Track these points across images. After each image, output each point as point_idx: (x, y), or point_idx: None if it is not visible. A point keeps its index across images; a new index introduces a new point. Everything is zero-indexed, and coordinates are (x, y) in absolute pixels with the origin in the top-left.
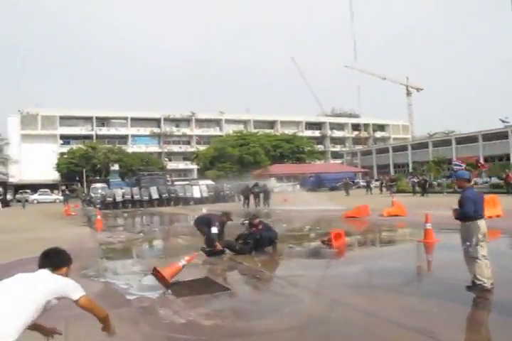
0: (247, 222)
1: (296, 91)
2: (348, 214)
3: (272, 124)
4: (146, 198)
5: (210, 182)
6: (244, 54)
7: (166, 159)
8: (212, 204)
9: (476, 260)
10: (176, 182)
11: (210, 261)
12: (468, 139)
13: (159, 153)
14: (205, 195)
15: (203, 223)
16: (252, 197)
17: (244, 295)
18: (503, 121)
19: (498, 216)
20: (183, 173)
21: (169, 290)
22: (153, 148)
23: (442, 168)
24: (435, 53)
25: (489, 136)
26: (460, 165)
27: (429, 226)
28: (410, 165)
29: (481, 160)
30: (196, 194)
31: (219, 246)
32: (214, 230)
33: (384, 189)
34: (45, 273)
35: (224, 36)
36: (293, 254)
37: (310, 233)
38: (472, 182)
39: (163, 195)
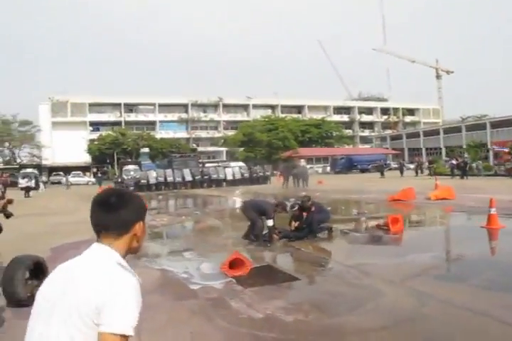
0: (295, 208)
1: (323, 75)
2: (393, 197)
3: (299, 109)
4: (179, 180)
5: (241, 163)
6: (271, 38)
7: (194, 145)
8: (245, 186)
9: None
10: (206, 164)
11: (266, 246)
12: (504, 123)
13: (187, 139)
14: (238, 176)
15: (254, 210)
16: (291, 178)
17: (317, 285)
18: None
19: None
20: (212, 155)
21: (233, 280)
22: (181, 133)
23: (481, 150)
24: (466, 34)
25: None
26: (501, 148)
27: (493, 211)
28: (443, 150)
29: None
30: (229, 176)
31: (276, 238)
32: (270, 223)
33: (419, 171)
34: (97, 251)
35: (251, 21)
36: (351, 240)
37: (359, 217)
38: None
39: (197, 177)
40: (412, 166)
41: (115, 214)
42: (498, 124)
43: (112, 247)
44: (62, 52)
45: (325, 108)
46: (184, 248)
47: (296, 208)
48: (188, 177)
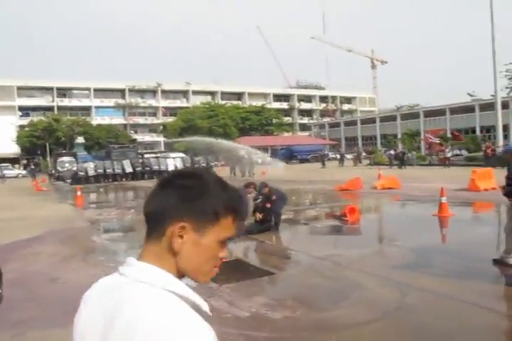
0: (259, 200)
1: (263, 62)
2: (341, 186)
3: (239, 96)
4: (119, 172)
5: (182, 154)
6: (212, 24)
7: (132, 131)
8: None
9: None
10: (145, 155)
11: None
12: (436, 112)
13: (124, 125)
14: (179, 167)
15: None
16: (237, 168)
17: (294, 279)
18: (471, 95)
19: (493, 188)
20: (150, 146)
21: None
22: (118, 120)
23: (415, 140)
24: (401, 26)
25: (456, 110)
26: (434, 139)
27: (444, 200)
28: (378, 138)
29: (448, 134)
30: (171, 167)
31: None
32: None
33: (358, 161)
34: (136, 271)
35: (192, 6)
36: (312, 231)
37: (313, 207)
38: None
39: (137, 169)
40: (349, 156)
41: (155, 197)
42: (430, 114)
43: (152, 262)
44: None
45: (265, 95)
46: (141, 244)
47: (260, 200)
48: (129, 169)
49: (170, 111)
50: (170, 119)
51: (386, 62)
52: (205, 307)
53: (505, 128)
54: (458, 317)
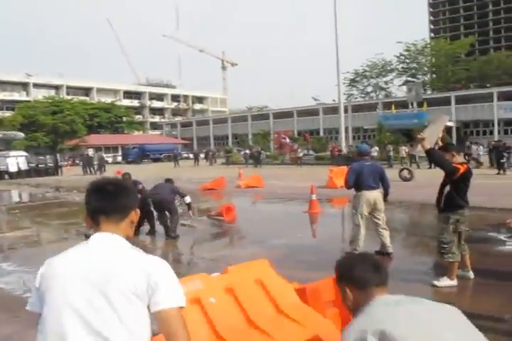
0: None
1: (113, 57)
2: (206, 186)
3: (87, 91)
4: None
5: (24, 153)
6: (60, 13)
7: None
8: (34, 179)
9: (356, 227)
10: None
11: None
12: (285, 114)
13: None
14: (23, 167)
15: (168, 196)
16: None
17: None
18: (315, 99)
19: None
20: None
21: None
22: None
23: (267, 140)
24: (252, 31)
25: (302, 112)
26: (285, 138)
27: (314, 197)
28: (230, 138)
29: (296, 135)
30: (12, 167)
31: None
32: (189, 199)
33: (213, 160)
34: (109, 240)
35: None
36: (193, 232)
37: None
38: (367, 156)
39: None
40: (202, 155)
41: (115, 200)
42: (279, 115)
43: (117, 235)
44: None
45: (115, 92)
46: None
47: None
48: None
49: (7, 104)
50: (7, 114)
51: (236, 65)
52: None
53: (346, 130)
54: None
